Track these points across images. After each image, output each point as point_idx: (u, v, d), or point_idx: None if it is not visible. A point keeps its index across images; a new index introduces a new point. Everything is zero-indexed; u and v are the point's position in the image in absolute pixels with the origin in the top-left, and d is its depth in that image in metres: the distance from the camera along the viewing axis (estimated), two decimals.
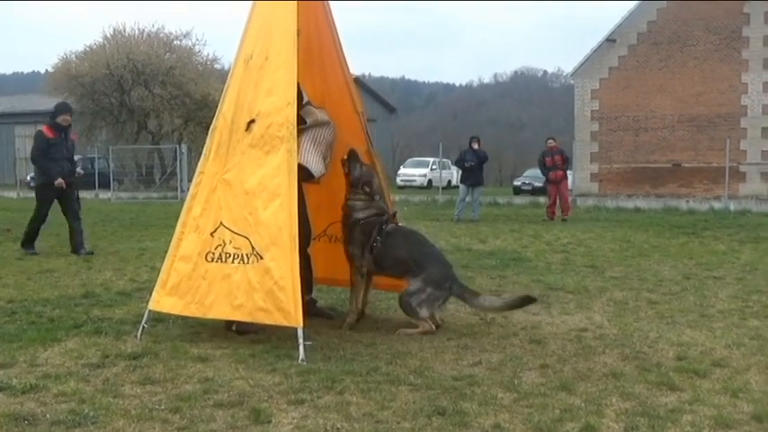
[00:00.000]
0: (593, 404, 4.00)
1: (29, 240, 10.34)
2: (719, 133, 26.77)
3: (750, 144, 26.95)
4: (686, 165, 27.66)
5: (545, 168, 17.82)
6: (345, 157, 5.88)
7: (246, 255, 4.98)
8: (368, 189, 5.81)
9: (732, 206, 21.47)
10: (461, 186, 17.92)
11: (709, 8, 26.99)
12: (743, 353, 5.08)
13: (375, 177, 5.92)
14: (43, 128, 10.15)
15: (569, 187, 19.99)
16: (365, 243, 5.75)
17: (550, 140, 18.22)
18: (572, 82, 30.96)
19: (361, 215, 5.79)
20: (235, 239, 5.05)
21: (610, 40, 28.85)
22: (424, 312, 5.58)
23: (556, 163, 17.54)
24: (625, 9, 29.07)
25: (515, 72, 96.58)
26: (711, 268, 9.12)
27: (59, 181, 9.84)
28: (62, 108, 10.37)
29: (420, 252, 5.86)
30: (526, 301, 5.76)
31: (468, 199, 17.55)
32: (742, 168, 26.91)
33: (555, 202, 17.57)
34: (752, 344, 5.32)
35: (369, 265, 5.80)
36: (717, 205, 21.69)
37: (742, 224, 15.85)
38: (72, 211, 10.20)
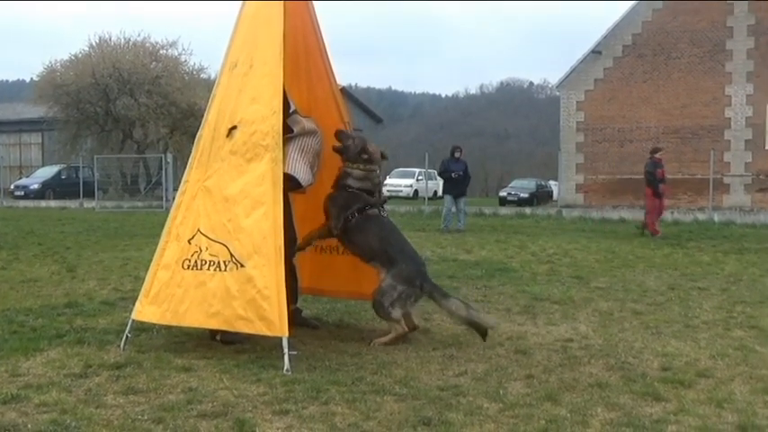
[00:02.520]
0: (579, 414, 4.00)
1: None
2: (704, 145, 26.98)
3: (734, 156, 27.16)
4: (671, 176, 27.76)
5: (657, 180, 15.85)
6: (335, 140, 5.84)
7: (224, 262, 4.95)
8: (366, 156, 5.78)
9: (716, 217, 21.64)
10: (447, 197, 17.87)
11: (693, 21, 27.27)
12: (727, 363, 5.10)
13: (369, 142, 5.88)
14: None
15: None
16: (344, 210, 5.71)
17: (659, 152, 16.70)
18: (558, 93, 31.11)
19: (352, 183, 5.76)
20: (211, 246, 5.02)
21: (595, 52, 29.05)
22: (396, 313, 5.52)
23: (663, 175, 16.07)
24: (611, 21, 29.33)
25: (501, 83, 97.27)
26: (696, 279, 9.17)
27: None
28: None
29: (392, 246, 5.76)
30: (483, 329, 5.61)
31: (453, 209, 17.56)
32: (726, 180, 27.11)
33: (660, 216, 16.24)
34: (736, 354, 5.34)
35: (339, 232, 5.77)
36: (701, 216, 21.86)
37: (726, 235, 15.98)
38: None
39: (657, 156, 16.26)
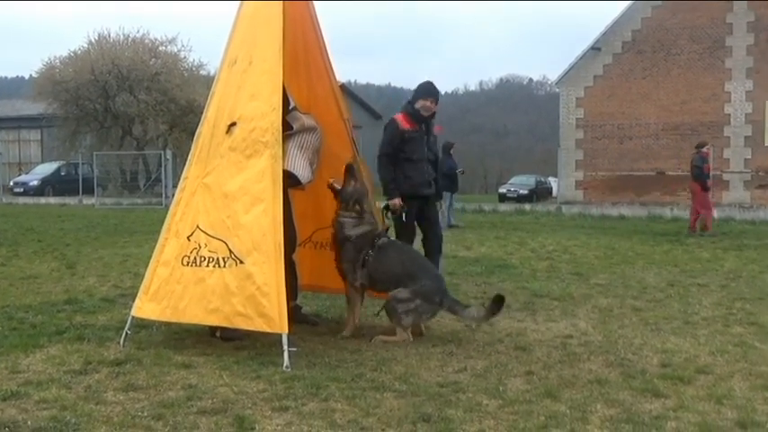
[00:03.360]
0: (578, 411, 4.00)
1: None
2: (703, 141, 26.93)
3: (733, 152, 27.18)
4: (670, 173, 27.84)
5: (705, 175, 15.56)
6: (344, 173, 5.82)
7: (223, 258, 4.95)
8: (358, 208, 5.79)
9: (716, 214, 21.62)
10: (446, 194, 17.84)
11: (693, 17, 27.25)
12: (726, 360, 5.10)
13: (366, 195, 5.90)
14: (398, 116, 6.99)
15: None
16: (356, 259, 5.73)
17: (705, 146, 16.32)
18: (557, 90, 31.12)
19: (352, 232, 5.76)
20: (210, 243, 5.02)
21: (595, 49, 29.05)
22: (407, 322, 5.56)
23: (711, 171, 15.71)
24: (610, 17, 29.31)
25: (501, 80, 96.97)
26: (695, 275, 9.17)
27: (395, 201, 6.73)
28: (424, 90, 6.98)
29: (413, 265, 5.84)
30: (499, 304, 5.63)
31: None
32: (725, 177, 27.13)
33: (712, 212, 15.86)
34: (735, 351, 5.35)
35: (363, 279, 5.77)
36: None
37: (725, 232, 15.96)
38: (432, 242, 7.12)
39: (705, 150, 15.86)
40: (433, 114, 6.96)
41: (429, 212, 7.07)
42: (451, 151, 17.77)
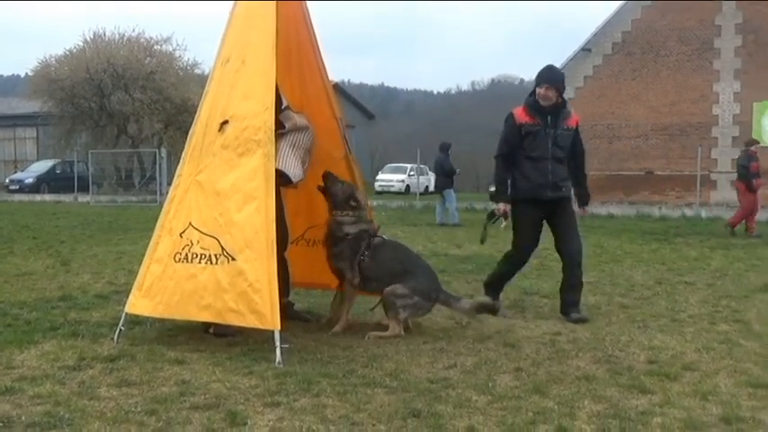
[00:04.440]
0: (566, 407, 4.01)
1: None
2: (691, 142, 27.05)
3: (721, 153, 27.26)
4: (659, 172, 27.92)
5: (751, 175, 14.72)
6: (323, 182, 5.83)
7: (215, 255, 4.94)
8: (354, 203, 5.79)
9: (703, 213, 21.71)
10: (451, 193, 17.88)
11: (681, 19, 27.32)
12: (712, 357, 5.12)
13: (357, 190, 5.91)
14: (517, 109, 6.30)
15: None
16: (353, 257, 5.73)
17: (755, 144, 15.47)
18: None
19: (350, 230, 5.75)
20: (203, 240, 5.01)
21: (585, 50, 29.09)
22: (403, 316, 5.59)
23: (759, 169, 14.92)
24: (600, 19, 29.38)
25: (492, 80, 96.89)
26: (683, 274, 9.21)
27: (501, 207, 6.25)
28: (540, 77, 6.16)
29: (409, 263, 5.86)
30: (492, 308, 5.95)
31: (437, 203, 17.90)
32: (713, 176, 27.22)
33: (756, 213, 15.06)
34: (721, 348, 5.37)
35: (356, 280, 5.76)
36: (688, 212, 21.93)
37: (713, 231, 16.02)
38: (567, 250, 6.34)
39: (753, 148, 15.09)
40: (558, 105, 6.15)
41: (559, 219, 6.23)
42: (449, 152, 17.92)
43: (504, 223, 6.30)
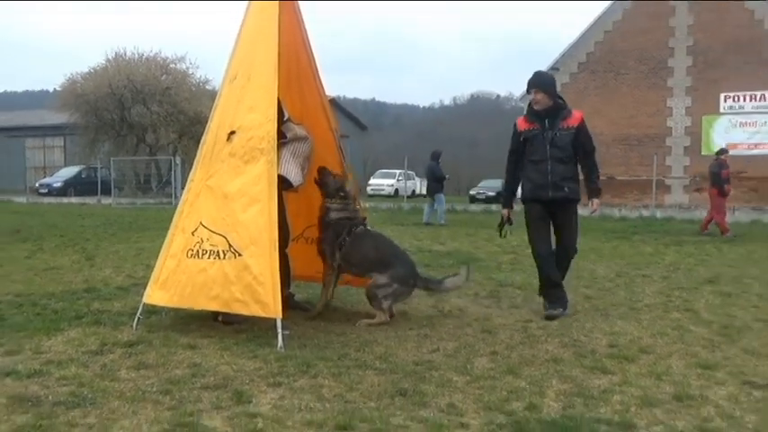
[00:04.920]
0: (536, 386, 4.03)
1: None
2: (648, 151, 27.17)
3: (674, 160, 27.39)
4: (619, 178, 27.98)
5: (722, 180, 14.52)
6: (317, 176, 5.85)
7: (223, 251, 4.92)
8: (343, 194, 5.80)
9: (658, 214, 21.80)
10: (441, 196, 17.89)
11: (639, 41, 27.42)
12: (666, 341, 5.15)
13: (346, 183, 5.91)
14: (519, 118, 6.10)
15: None
16: (335, 243, 5.72)
17: (725, 153, 15.22)
18: (521, 104, 31.15)
19: (333, 216, 5.76)
20: (212, 237, 4.99)
21: (553, 69, 29.07)
22: (386, 305, 5.58)
23: (729, 176, 14.69)
24: (567, 41, 29.41)
25: (472, 95, 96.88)
26: (640, 268, 9.24)
27: (504, 212, 6.16)
28: (528, 84, 5.93)
29: (387, 253, 5.83)
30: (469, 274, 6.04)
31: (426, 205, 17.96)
32: (667, 182, 27.32)
33: (725, 215, 14.77)
34: (674, 333, 5.40)
35: (340, 261, 5.75)
36: (645, 213, 22.01)
37: (667, 230, 16.10)
38: (559, 248, 5.96)
39: (723, 157, 14.93)
40: (555, 107, 5.81)
41: (559, 218, 5.87)
42: (440, 159, 17.96)
43: (508, 227, 6.22)
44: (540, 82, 5.84)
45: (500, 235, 6.32)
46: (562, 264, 5.99)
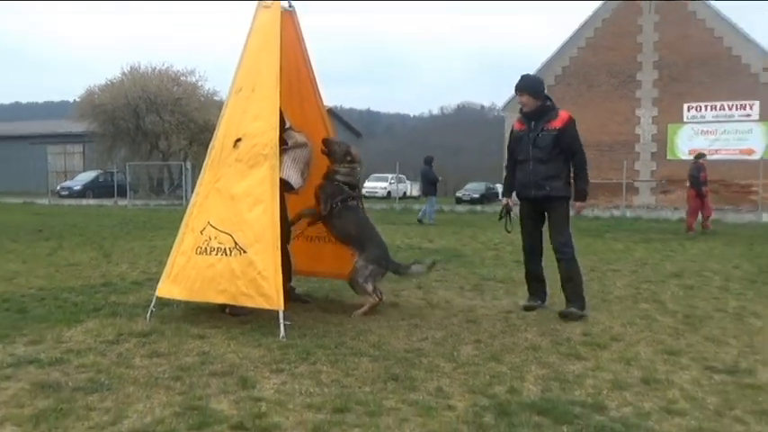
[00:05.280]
0: (517, 371, 4.03)
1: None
2: (618, 156, 27.24)
3: (642, 165, 27.48)
4: (592, 181, 27.81)
5: (700, 183, 14.32)
6: (323, 147, 5.79)
7: (229, 248, 4.90)
8: (350, 158, 5.74)
9: (628, 214, 21.89)
10: (434, 198, 17.99)
11: (610, 56, 27.51)
12: (635, 330, 5.16)
13: (354, 149, 5.85)
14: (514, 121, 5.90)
15: None
16: (330, 198, 5.66)
17: (703, 157, 15.10)
18: (503, 114, 31.23)
19: (341, 178, 5.71)
20: (219, 236, 4.97)
21: None
22: (369, 287, 5.56)
23: (707, 179, 14.52)
24: (545, 56, 29.43)
25: (458, 106, 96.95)
26: (611, 263, 9.26)
27: (504, 200, 6.01)
28: (517, 85, 5.71)
29: (364, 233, 5.75)
30: (432, 266, 6.11)
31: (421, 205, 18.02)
32: (636, 184, 27.41)
33: (697, 216, 14.56)
34: (642, 323, 5.41)
35: (324, 211, 5.69)
36: (616, 213, 22.12)
37: (636, 228, 16.15)
38: (553, 247, 5.68)
39: (701, 161, 14.74)
40: (542, 108, 5.57)
41: (549, 217, 5.64)
42: (432, 164, 18.03)
43: (508, 220, 6.02)
44: (525, 85, 5.64)
45: (505, 228, 6.06)
46: (559, 264, 5.62)
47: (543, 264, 5.90)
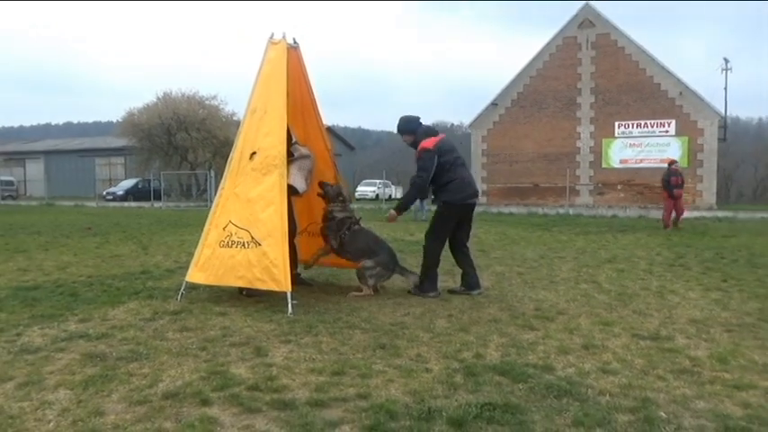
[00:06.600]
0: (482, 340, 4.04)
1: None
2: (563, 165, 27.44)
3: (582, 172, 27.63)
4: (542, 185, 28.20)
5: (671, 186, 13.94)
6: (318, 189, 5.78)
7: (247, 242, 4.87)
8: (341, 197, 5.75)
9: (570, 211, 21.99)
10: (419, 201, 17.90)
11: (555, 84, 27.66)
12: (576, 305, 5.19)
13: (343, 189, 5.86)
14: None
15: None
16: (337, 232, 5.68)
17: (675, 164, 14.54)
18: (470, 131, 31.30)
19: (339, 215, 5.71)
20: (238, 232, 4.93)
21: (493, 104, 29.27)
22: (371, 282, 5.56)
23: (678, 182, 14.02)
24: (504, 83, 29.48)
25: (432, 124, 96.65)
26: (557, 251, 9.31)
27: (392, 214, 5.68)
28: (397, 127, 5.66)
29: (374, 245, 5.79)
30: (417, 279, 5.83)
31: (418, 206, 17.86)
32: (577, 187, 27.57)
33: (671, 214, 14.00)
34: (582, 299, 5.44)
35: (337, 248, 5.72)
36: (561, 211, 22.20)
37: (577, 223, 16.24)
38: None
39: (673, 167, 14.27)
40: (414, 144, 5.54)
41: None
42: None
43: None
44: (399, 128, 5.62)
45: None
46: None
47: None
